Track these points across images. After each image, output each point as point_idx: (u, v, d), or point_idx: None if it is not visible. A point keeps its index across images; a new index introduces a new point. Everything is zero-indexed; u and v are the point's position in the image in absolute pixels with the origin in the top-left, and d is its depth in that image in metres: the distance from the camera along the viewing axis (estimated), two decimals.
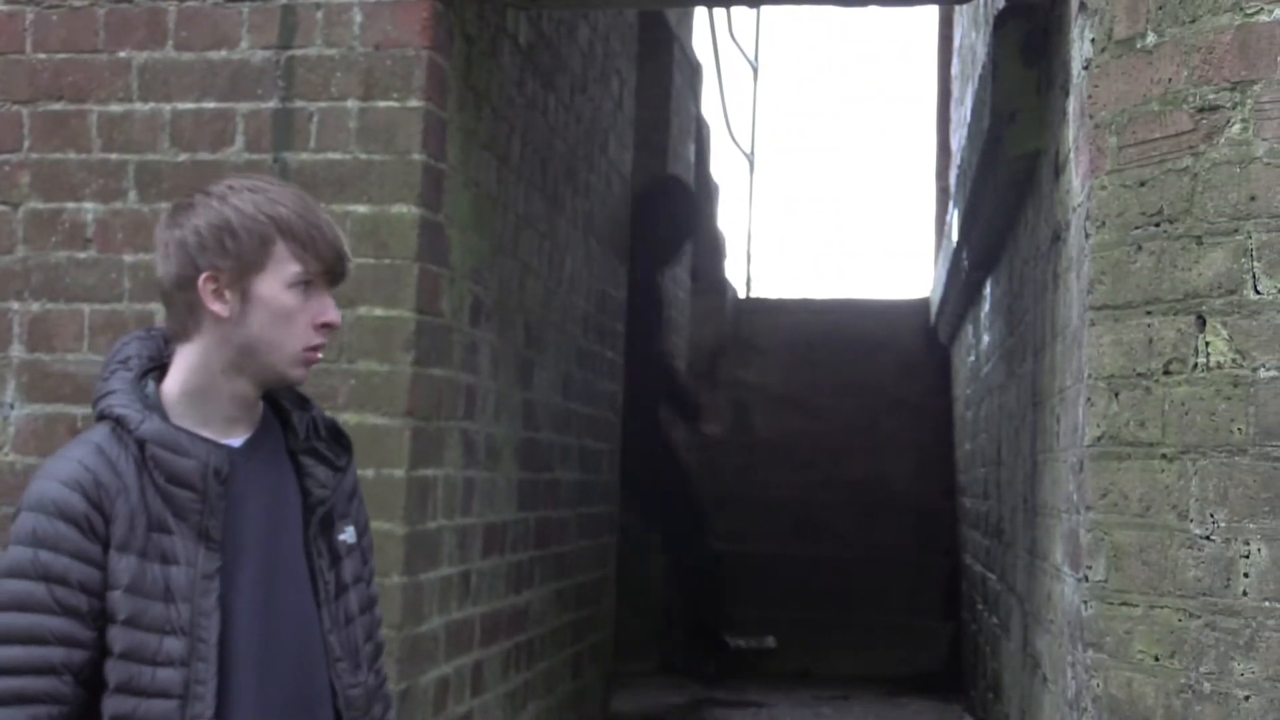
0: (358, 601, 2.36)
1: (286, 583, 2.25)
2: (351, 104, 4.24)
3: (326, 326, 2.30)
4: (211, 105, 4.32)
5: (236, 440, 2.24)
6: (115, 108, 4.36)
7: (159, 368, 2.26)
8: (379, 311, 4.17)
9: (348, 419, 4.14)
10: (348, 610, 2.33)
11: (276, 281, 2.20)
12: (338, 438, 2.39)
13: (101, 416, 2.20)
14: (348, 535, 2.36)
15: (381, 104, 4.22)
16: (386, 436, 4.13)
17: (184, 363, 2.24)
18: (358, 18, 4.25)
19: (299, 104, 4.27)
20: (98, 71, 4.37)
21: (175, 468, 2.15)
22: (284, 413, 2.35)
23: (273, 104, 4.29)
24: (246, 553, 2.20)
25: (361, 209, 4.20)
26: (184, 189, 4.28)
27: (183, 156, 4.32)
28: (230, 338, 2.20)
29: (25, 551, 2.10)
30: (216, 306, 2.18)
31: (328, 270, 2.28)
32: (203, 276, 2.18)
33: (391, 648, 4.06)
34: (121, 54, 4.37)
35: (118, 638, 2.10)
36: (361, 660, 2.34)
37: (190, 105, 4.33)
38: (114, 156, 4.35)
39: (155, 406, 2.20)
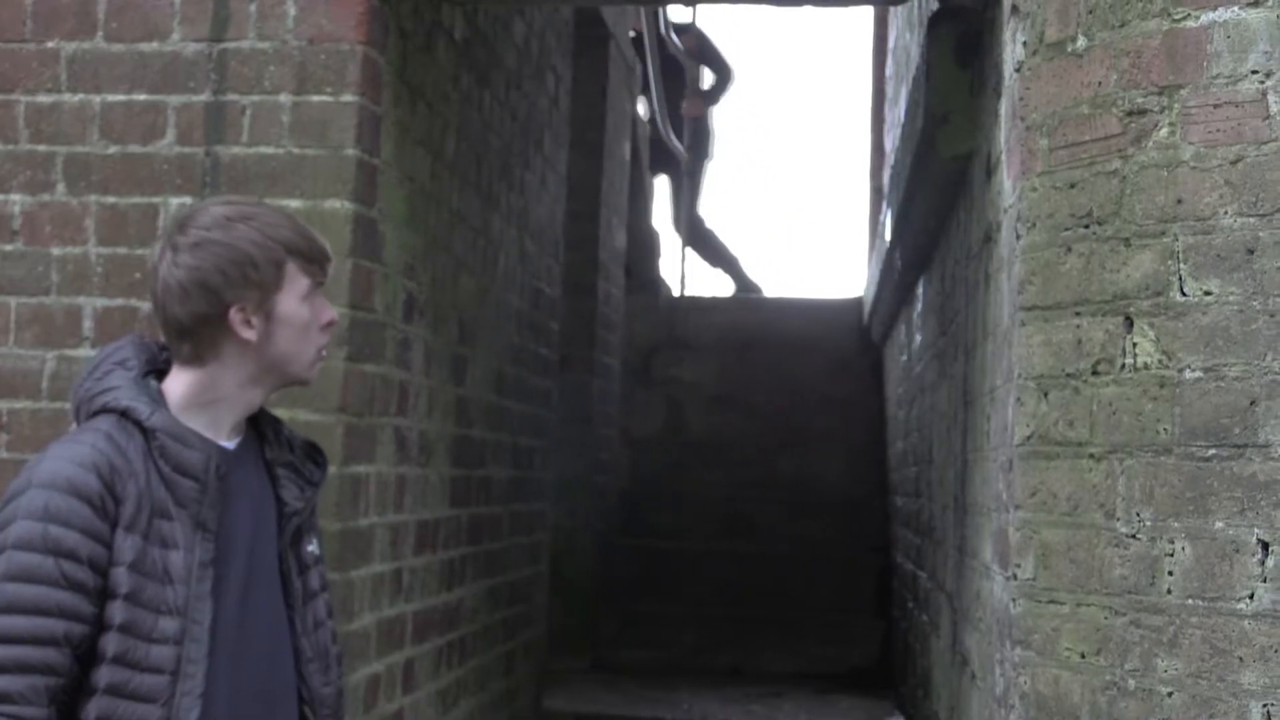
0: (325, 608, 2.52)
1: (263, 583, 2.39)
2: (285, 98, 4.21)
3: (330, 325, 2.47)
4: (142, 97, 4.28)
5: (230, 443, 2.40)
6: (43, 98, 4.31)
7: (156, 372, 2.40)
8: None
9: (279, 415, 4.11)
10: (316, 615, 2.49)
11: (293, 298, 2.36)
12: (313, 455, 2.55)
13: (105, 410, 2.31)
14: (314, 546, 2.52)
15: (315, 98, 4.20)
16: (318, 433, 4.10)
17: (195, 379, 2.37)
18: (292, 11, 4.22)
19: (231, 97, 4.24)
20: (25, 61, 4.32)
21: (181, 458, 2.28)
22: (258, 425, 2.51)
23: (205, 97, 4.25)
24: (234, 548, 2.34)
25: (294, 204, 4.18)
26: (114, 181, 4.25)
27: (113, 149, 4.28)
28: (255, 357, 2.36)
29: (36, 526, 2.19)
30: (246, 333, 2.32)
31: (324, 274, 2.45)
32: (233, 310, 2.32)
33: None
34: (50, 44, 4.31)
35: (118, 611, 2.20)
36: (331, 662, 2.51)
37: (121, 97, 4.28)
38: (42, 148, 4.30)
39: (161, 403, 2.33)
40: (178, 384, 2.37)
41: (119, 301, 4.23)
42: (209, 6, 4.25)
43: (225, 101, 4.24)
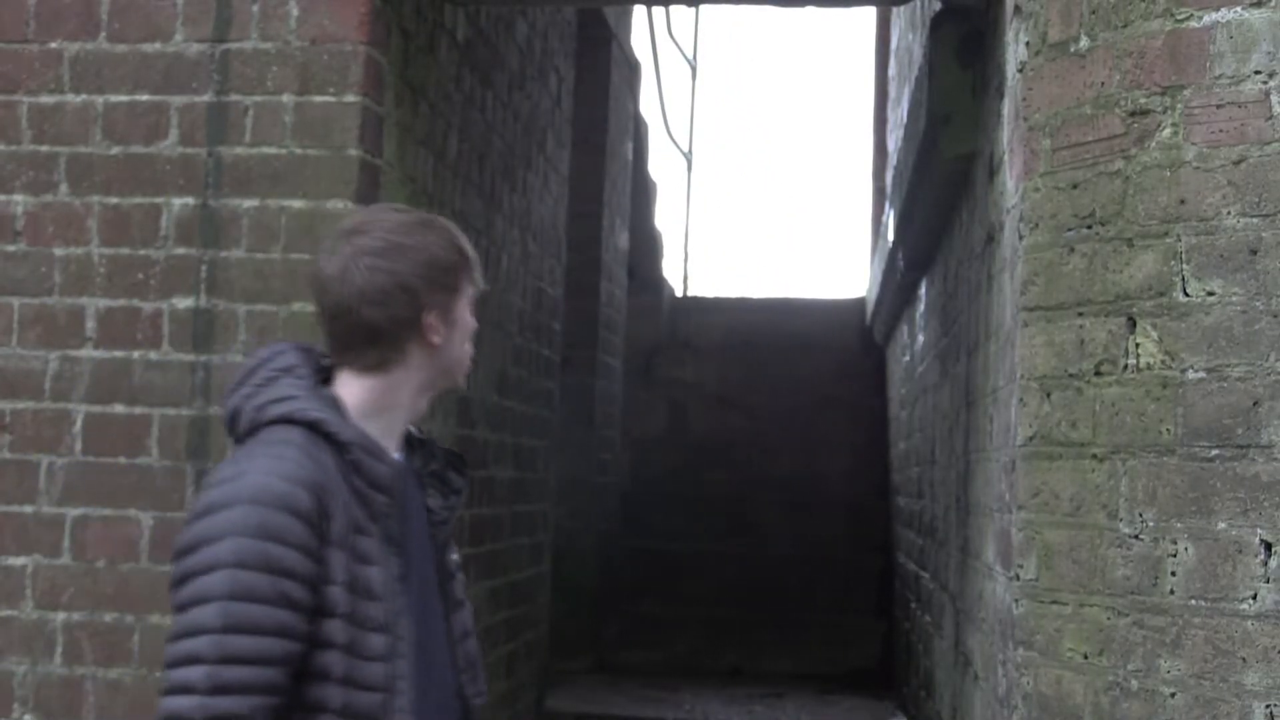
0: (469, 617, 2.50)
1: (430, 593, 2.38)
2: (287, 98, 4.22)
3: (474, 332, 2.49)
4: (145, 98, 4.28)
5: (399, 455, 2.37)
6: (46, 99, 4.31)
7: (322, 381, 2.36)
8: (314, 307, 4.14)
9: None
10: (464, 625, 2.47)
11: (466, 303, 2.39)
12: (455, 462, 2.49)
13: (287, 420, 2.24)
14: (456, 555, 2.50)
15: (318, 99, 4.20)
16: None
17: (375, 385, 2.33)
18: (294, 11, 4.22)
19: (234, 97, 4.24)
20: (28, 62, 4.32)
21: (375, 472, 2.25)
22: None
23: (207, 97, 4.25)
24: (412, 561, 2.32)
25: (297, 204, 4.18)
26: (116, 182, 4.25)
27: (115, 149, 4.28)
28: (434, 363, 2.34)
29: (255, 544, 2.11)
30: (435, 338, 2.32)
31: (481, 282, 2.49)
32: (426, 314, 2.31)
33: None
34: (53, 44, 4.32)
35: (339, 631, 2.17)
36: (478, 672, 2.47)
37: (123, 97, 4.28)
38: (45, 148, 4.30)
39: (345, 414, 2.29)
40: (354, 391, 2.31)
41: (121, 302, 4.23)
42: (212, 7, 4.25)
43: (228, 102, 4.24)
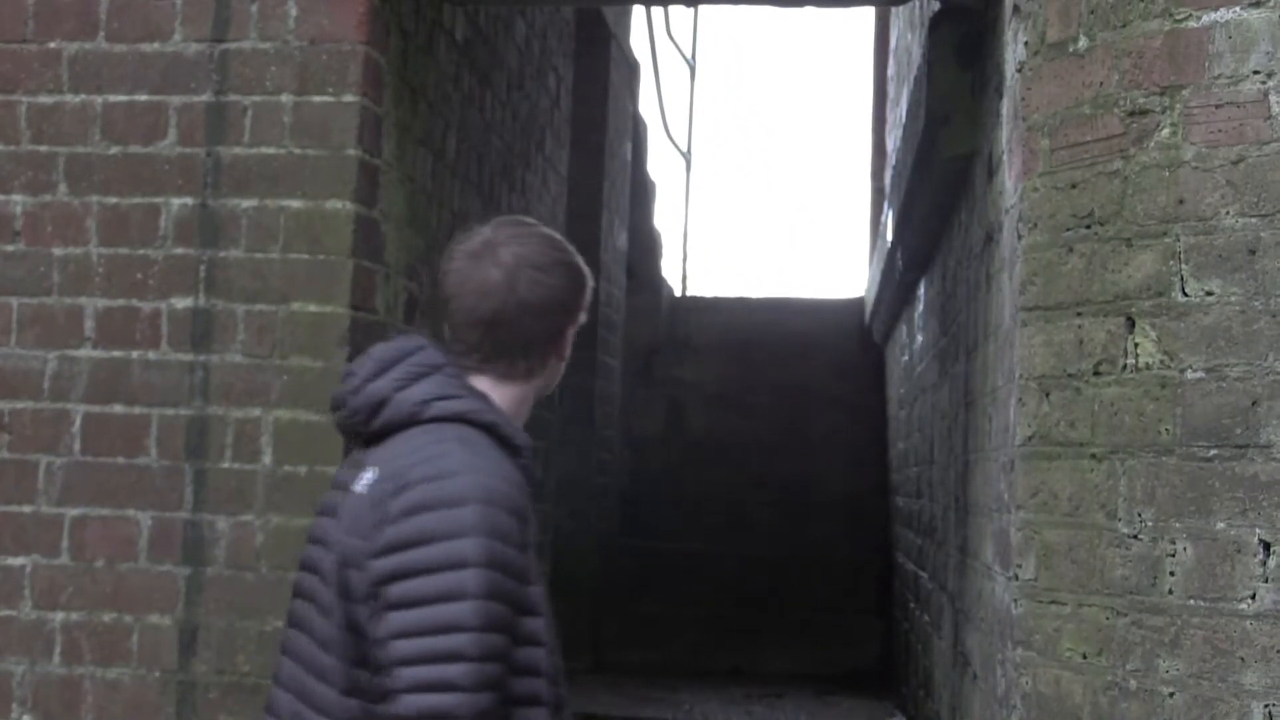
0: None
1: None
2: (286, 98, 4.21)
3: None
4: (144, 98, 4.28)
5: None
6: (45, 99, 4.31)
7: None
8: (313, 307, 4.15)
9: (281, 415, 4.12)
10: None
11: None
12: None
13: (459, 419, 2.28)
14: None
15: (316, 98, 4.20)
16: (320, 433, 4.11)
17: (519, 393, 2.41)
18: (293, 11, 4.22)
19: (233, 97, 4.24)
20: (26, 62, 4.32)
21: (535, 478, 2.34)
22: None
23: (206, 97, 4.25)
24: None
25: (295, 204, 4.18)
26: (115, 182, 4.25)
27: (114, 149, 4.28)
28: (553, 376, 2.43)
29: (493, 544, 2.15)
30: (567, 351, 2.42)
31: None
32: (572, 327, 2.42)
33: None
34: (51, 44, 4.31)
35: (542, 629, 2.24)
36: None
37: (122, 97, 4.28)
38: (43, 148, 4.30)
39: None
40: (504, 398, 2.38)
41: (120, 302, 4.23)
42: (210, 7, 4.25)
43: (227, 102, 4.24)
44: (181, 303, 4.21)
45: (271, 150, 4.21)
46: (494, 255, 2.36)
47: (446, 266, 2.40)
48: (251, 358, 4.16)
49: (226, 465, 4.14)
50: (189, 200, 4.22)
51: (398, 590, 2.14)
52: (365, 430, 2.34)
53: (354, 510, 2.23)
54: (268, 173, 4.20)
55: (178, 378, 4.19)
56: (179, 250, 4.22)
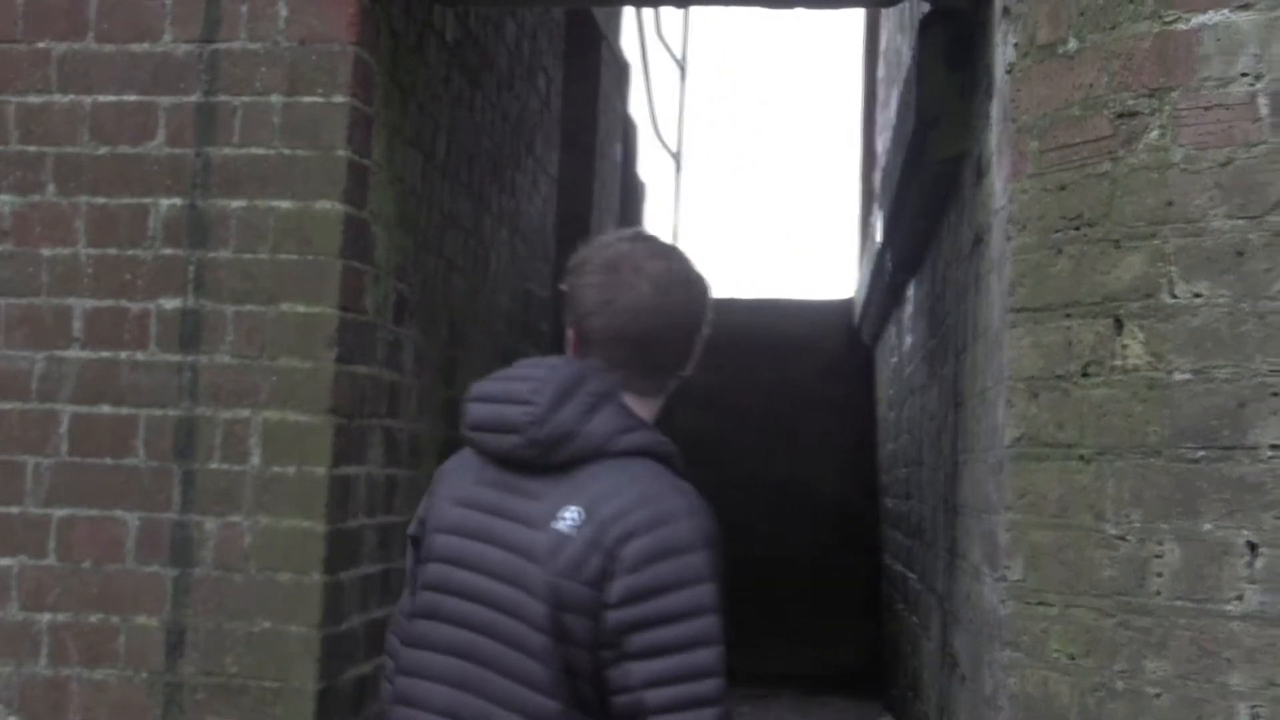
0: None
1: None
2: (276, 99, 4.21)
3: None
4: (133, 98, 4.27)
5: None
6: (34, 99, 4.30)
7: None
8: (301, 308, 4.14)
9: (269, 416, 4.12)
10: None
11: None
12: None
13: (646, 453, 2.35)
14: None
15: (306, 99, 4.19)
16: (308, 434, 4.10)
17: (652, 408, 2.45)
18: (283, 12, 4.21)
19: (222, 98, 4.23)
20: (15, 62, 4.31)
21: None
22: None
23: (195, 98, 4.24)
24: None
25: (285, 205, 4.17)
26: (104, 182, 4.24)
27: (103, 149, 4.27)
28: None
29: (719, 588, 2.36)
30: (691, 370, 2.43)
31: None
32: (701, 339, 2.43)
33: (311, 646, 4.04)
34: (41, 44, 4.30)
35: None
36: None
37: (111, 98, 4.27)
38: (32, 149, 4.29)
39: None
40: (648, 414, 2.43)
41: (108, 302, 4.22)
42: (200, 7, 4.24)
43: (216, 102, 4.23)
44: (170, 303, 4.20)
45: (261, 151, 4.20)
46: (637, 270, 2.34)
47: (580, 281, 2.37)
48: (240, 358, 4.16)
49: (215, 466, 4.14)
50: (178, 201, 4.22)
51: (640, 640, 2.24)
52: (542, 461, 2.32)
53: (566, 553, 2.26)
54: (257, 173, 4.19)
55: (166, 378, 4.18)
56: (168, 251, 4.21)
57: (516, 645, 2.27)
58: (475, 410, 2.39)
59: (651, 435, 2.36)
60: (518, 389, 2.34)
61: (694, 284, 2.40)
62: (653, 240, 2.43)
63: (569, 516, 2.27)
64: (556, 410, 2.29)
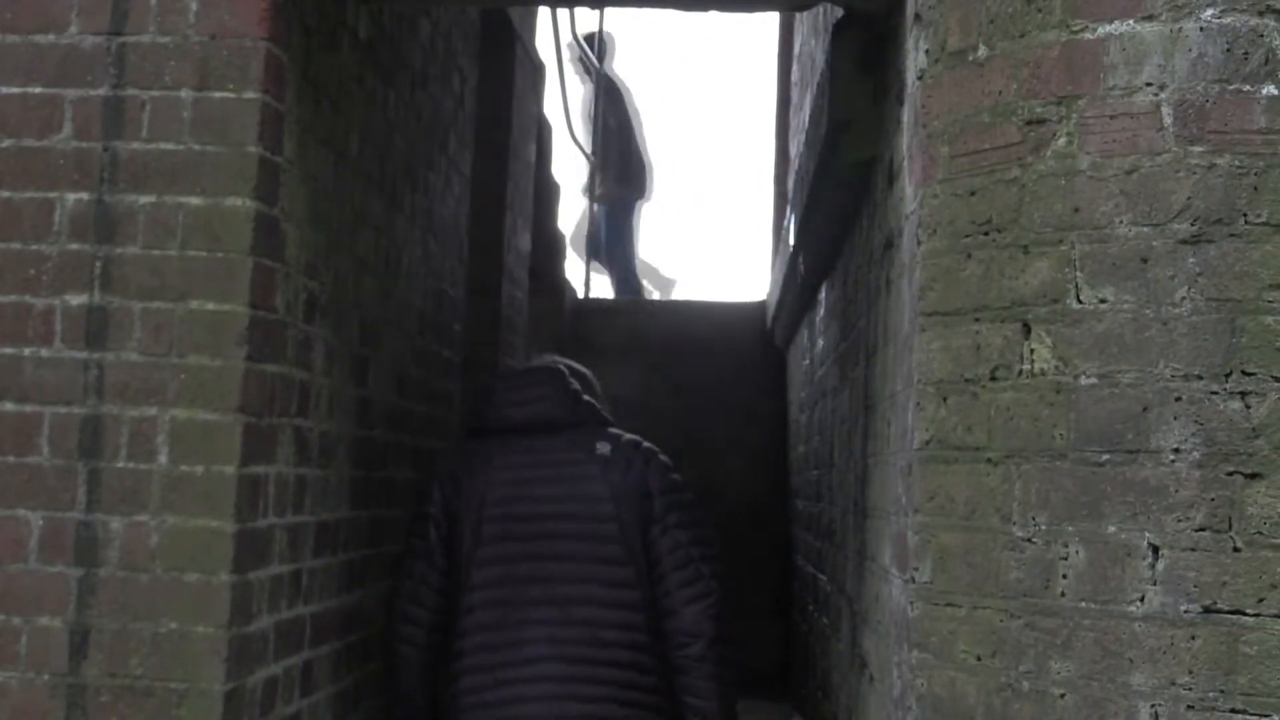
0: None
1: None
2: (185, 94, 4.16)
3: None
4: (38, 90, 4.20)
5: None
6: None
7: None
8: (211, 305, 4.09)
9: (177, 414, 4.07)
10: None
11: None
12: None
13: (605, 421, 4.47)
14: None
15: (217, 94, 4.14)
16: (217, 432, 4.06)
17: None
18: (193, 5, 4.16)
19: (131, 92, 4.17)
20: None
21: None
22: None
23: (103, 91, 4.18)
24: None
25: (195, 201, 4.12)
26: (8, 175, 4.17)
27: (7, 142, 4.20)
28: None
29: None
30: None
31: None
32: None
33: (219, 647, 3.99)
34: None
35: None
36: None
37: (15, 90, 4.20)
38: None
39: None
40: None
41: (12, 298, 4.15)
42: None
43: (124, 96, 4.17)
44: (76, 299, 4.14)
45: (170, 146, 4.15)
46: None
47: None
48: (148, 356, 4.10)
49: (121, 465, 4.08)
50: (84, 195, 4.15)
51: (677, 516, 4.31)
52: (552, 425, 4.41)
53: (615, 463, 4.30)
54: (166, 169, 4.14)
55: (71, 375, 4.12)
56: (74, 246, 4.15)
57: (590, 536, 4.06)
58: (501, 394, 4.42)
59: (600, 411, 4.42)
60: (524, 392, 4.50)
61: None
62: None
63: (602, 449, 4.28)
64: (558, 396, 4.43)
